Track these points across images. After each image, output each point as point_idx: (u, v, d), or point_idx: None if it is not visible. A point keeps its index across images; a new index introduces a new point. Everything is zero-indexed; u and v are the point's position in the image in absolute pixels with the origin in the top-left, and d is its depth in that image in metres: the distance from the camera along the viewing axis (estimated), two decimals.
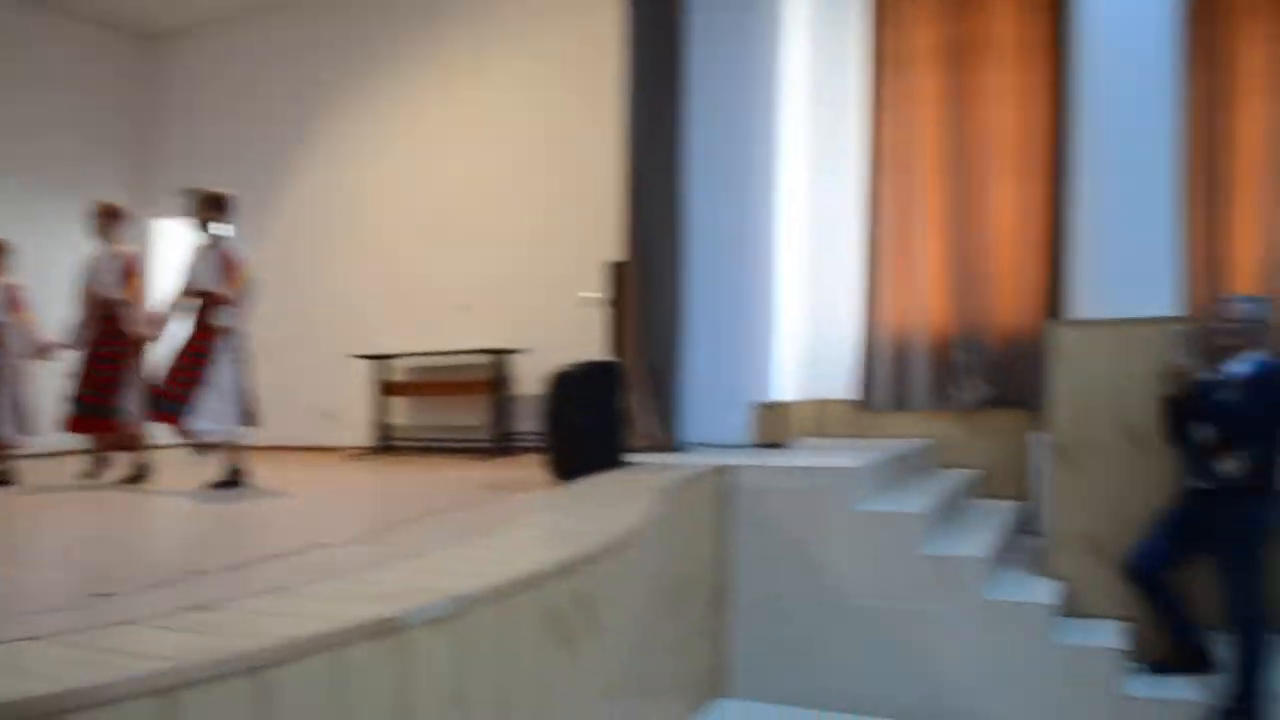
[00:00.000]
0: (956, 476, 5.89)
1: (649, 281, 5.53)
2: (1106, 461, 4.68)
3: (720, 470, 4.72)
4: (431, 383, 8.36)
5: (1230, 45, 5.89)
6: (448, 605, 2.29)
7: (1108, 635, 4.39)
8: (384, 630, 2.13)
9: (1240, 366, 4.23)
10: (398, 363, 8.43)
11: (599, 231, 6.16)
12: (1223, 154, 5.92)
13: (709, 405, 5.69)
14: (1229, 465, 4.16)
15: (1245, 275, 5.83)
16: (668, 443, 5.45)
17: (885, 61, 6.66)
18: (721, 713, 4.55)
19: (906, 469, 5.61)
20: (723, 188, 5.81)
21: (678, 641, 4.22)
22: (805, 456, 5.29)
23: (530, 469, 5.50)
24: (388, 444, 8.37)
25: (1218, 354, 4.34)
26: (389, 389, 8.43)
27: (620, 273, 5.69)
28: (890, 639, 4.48)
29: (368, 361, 8.38)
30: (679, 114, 5.66)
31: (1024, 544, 5.41)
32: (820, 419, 6.78)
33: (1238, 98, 5.89)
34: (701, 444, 5.58)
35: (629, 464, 4.94)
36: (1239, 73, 5.88)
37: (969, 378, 6.29)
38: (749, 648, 4.69)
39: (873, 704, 4.46)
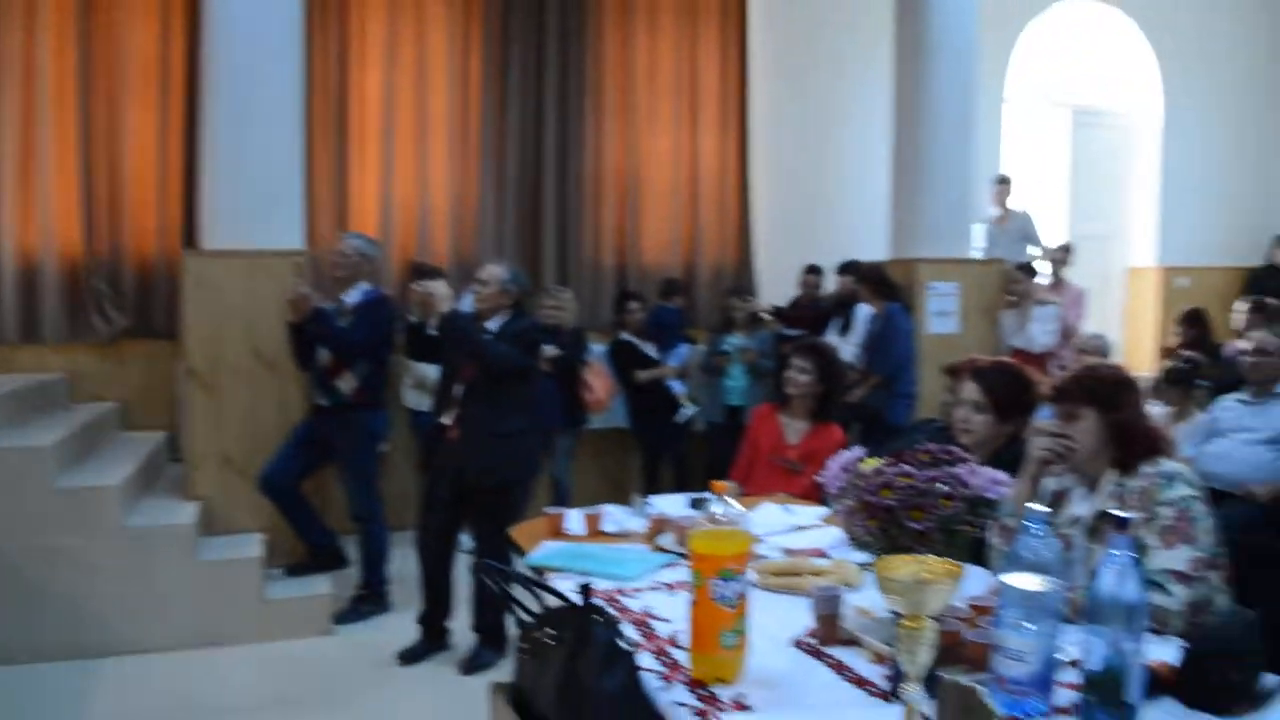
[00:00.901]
0: (96, 409, 5.68)
1: None
2: (241, 385, 4.98)
3: None
4: None
5: (352, 17, 6.62)
6: None
7: (248, 547, 4.74)
8: None
9: (351, 296, 4.82)
10: None
11: None
12: (349, 110, 6.63)
13: None
14: (344, 383, 4.73)
15: (362, 215, 6.62)
16: None
17: None
18: None
19: (36, 404, 5.26)
20: None
21: None
22: None
23: None
24: None
25: (334, 284, 4.89)
26: None
27: None
28: (26, 581, 4.25)
29: None
30: None
31: (172, 471, 5.52)
32: None
33: (360, 63, 6.66)
34: None
35: None
36: (362, 41, 6.64)
37: (107, 307, 6.07)
38: None
39: (9, 653, 4.20)
